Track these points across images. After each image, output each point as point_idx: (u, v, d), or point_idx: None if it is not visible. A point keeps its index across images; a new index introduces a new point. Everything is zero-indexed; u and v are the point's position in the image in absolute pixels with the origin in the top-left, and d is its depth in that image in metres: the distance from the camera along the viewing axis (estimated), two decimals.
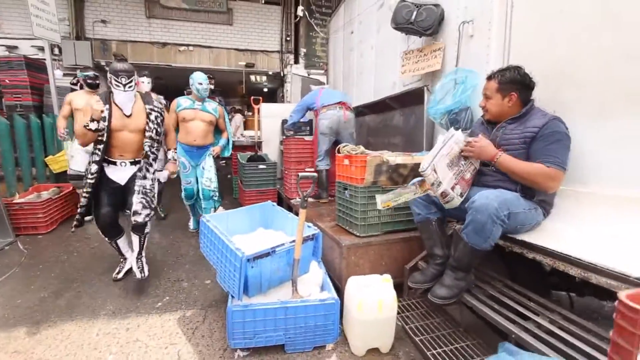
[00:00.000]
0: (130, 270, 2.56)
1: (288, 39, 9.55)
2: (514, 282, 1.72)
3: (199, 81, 3.20)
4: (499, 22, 2.04)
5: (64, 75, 7.50)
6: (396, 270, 2.08)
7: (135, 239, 2.37)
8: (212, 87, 4.21)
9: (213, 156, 3.36)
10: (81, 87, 3.72)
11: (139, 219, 2.29)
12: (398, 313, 1.90)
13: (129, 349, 1.77)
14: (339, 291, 1.97)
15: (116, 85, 2.19)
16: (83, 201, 2.28)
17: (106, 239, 2.43)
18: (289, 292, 1.87)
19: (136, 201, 2.29)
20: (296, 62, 9.58)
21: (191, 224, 3.69)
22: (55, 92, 4.45)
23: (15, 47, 7.67)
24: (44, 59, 4.39)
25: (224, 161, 4.13)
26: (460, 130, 1.74)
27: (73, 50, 7.55)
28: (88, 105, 2.16)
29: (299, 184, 1.84)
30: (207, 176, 3.30)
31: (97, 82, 3.54)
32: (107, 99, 2.23)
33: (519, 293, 1.61)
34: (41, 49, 6.61)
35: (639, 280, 1.15)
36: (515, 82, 1.64)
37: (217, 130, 3.52)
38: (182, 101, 3.24)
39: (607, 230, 1.44)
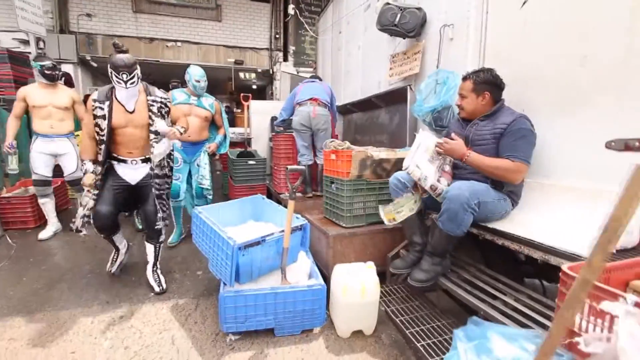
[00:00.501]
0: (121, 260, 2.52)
1: (277, 36, 9.59)
2: (499, 271, 1.86)
3: (197, 78, 3.04)
4: (475, 27, 2.19)
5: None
6: (380, 259, 2.21)
7: (150, 249, 2.25)
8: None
9: (208, 153, 3.21)
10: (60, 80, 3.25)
11: (159, 225, 2.20)
12: (381, 298, 2.02)
13: (123, 335, 1.84)
14: (326, 279, 2.08)
15: (117, 82, 2.06)
16: (89, 202, 2.14)
17: (101, 235, 2.30)
18: (278, 280, 1.98)
19: (153, 206, 2.18)
20: (285, 59, 9.63)
21: (172, 236, 3.19)
22: None
23: None
24: (29, 53, 4.33)
25: (217, 157, 4.03)
26: (428, 131, 1.89)
27: (57, 44, 7.42)
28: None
29: (288, 177, 1.94)
30: (202, 173, 3.15)
31: (56, 73, 3.05)
32: (110, 95, 2.11)
33: (491, 277, 1.76)
34: (24, 42, 6.49)
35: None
36: (488, 83, 1.79)
37: (214, 125, 3.38)
38: (177, 94, 3.06)
39: (566, 218, 1.60)
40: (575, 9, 1.60)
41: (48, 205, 3.26)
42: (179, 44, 8.86)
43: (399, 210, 1.88)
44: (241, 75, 10.04)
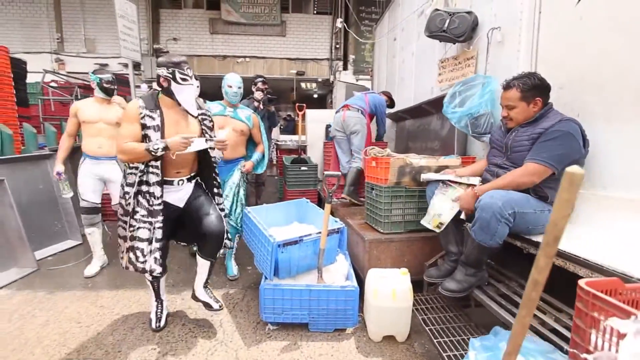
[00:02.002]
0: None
1: (337, 46, 9.88)
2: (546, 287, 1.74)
3: (229, 83, 2.68)
4: (527, 28, 2.07)
5: (148, 87, 8.75)
6: (417, 267, 2.20)
7: (205, 265, 1.92)
8: (266, 92, 3.77)
9: (242, 172, 2.73)
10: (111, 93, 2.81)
11: (225, 237, 1.91)
12: (417, 306, 2.02)
13: (182, 312, 2.15)
14: (362, 283, 2.15)
15: (182, 78, 1.75)
16: (143, 233, 1.76)
17: (149, 277, 1.90)
18: (314, 279, 2.10)
19: (215, 211, 1.91)
20: (345, 68, 9.88)
21: (230, 269, 2.78)
22: None
23: (106, 65, 9.08)
24: (127, 74, 5.23)
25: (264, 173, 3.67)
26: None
27: (150, 66, 8.72)
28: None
29: (325, 182, 2.06)
30: (226, 193, 2.63)
31: (115, 87, 2.82)
32: (156, 103, 1.79)
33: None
34: (126, 65, 7.79)
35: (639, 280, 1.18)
36: (538, 88, 1.68)
37: (252, 142, 2.92)
38: (212, 106, 2.70)
39: (620, 233, 1.44)
40: (632, 5, 1.44)
41: (95, 236, 2.83)
42: (247, 59, 9.71)
43: (439, 213, 1.87)
44: (302, 85, 10.56)
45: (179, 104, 1.81)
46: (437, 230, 1.90)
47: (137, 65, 8.95)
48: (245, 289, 2.51)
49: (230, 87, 2.68)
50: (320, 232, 2.07)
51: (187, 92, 1.80)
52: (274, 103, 4.03)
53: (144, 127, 1.74)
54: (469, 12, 2.61)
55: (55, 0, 9.14)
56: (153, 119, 1.75)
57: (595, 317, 0.85)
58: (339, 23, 7.49)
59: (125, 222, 1.81)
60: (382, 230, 2.29)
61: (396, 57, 4.77)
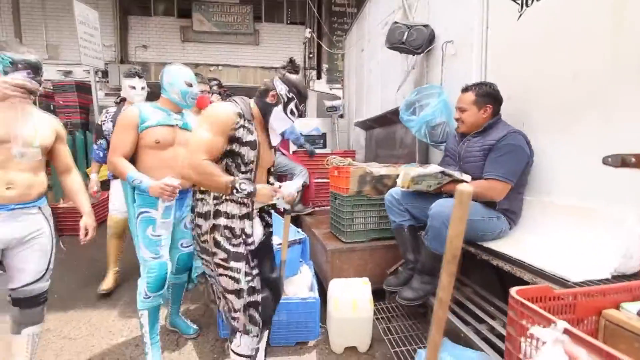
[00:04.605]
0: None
1: (311, 55, 9.98)
2: (497, 293, 1.78)
3: (187, 80, 1.78)
4: (477, 42, 2.16)
5: (106, 95, 8.45)
6: (380, 275, 2.20)
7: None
8: (225, 95, 3.39)
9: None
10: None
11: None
12: (379, 315, 2.02)
13: (137, 333, 2.04)
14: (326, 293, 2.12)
15: (292, 111, 1.38)
16: (245, 285, 1.33)
17: (253, 337, 1.41)
18: None
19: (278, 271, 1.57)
20: (319, 77, 9.97)
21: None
22: (97, 110, 5.10)
23: (70, 72, 8.72)
24: (89, 81, 5.05)
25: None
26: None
27: (118, 73, 8.44)
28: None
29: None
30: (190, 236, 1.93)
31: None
32: (251, 113, 1.37)
33: (485, 299, 1.68)
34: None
35: (577, 284, 1.23)
36: (491, 96, 1.75)
37: None
38: (147, 111, 1.73)
39: (561, 238, 1.51)
40: (563, 24, 1.55)
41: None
42: (220, 67, 9.61)
43: (418, 182, 1.71)
44: None
45: (265, 126, 1.41)
46: (401, 188, 1.79)
47: (105, 73, 8.66)
48: (207, 304, 2.42)
49: (191, 85, 1.79)
50: (280, 244, 2.04)
51: (283, 125, 1.42)
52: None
53: (233, 140, 1.29)
54: (425, 26, 2.69)
55: (13, 5, 8.70)
56: (251, 133, 1.33)
57: (524, 325, 0.86)
58: (308, 33, 7.59)
59: (238, 270, 1.32)
60: (345, 240, 2.28)
61: (364, 67, 4.86)
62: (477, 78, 2.15)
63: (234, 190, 1.25)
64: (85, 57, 4.60)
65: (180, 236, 1.95)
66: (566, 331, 0.74)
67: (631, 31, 1.27)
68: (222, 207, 1.30)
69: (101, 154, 2.60)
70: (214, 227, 1.30)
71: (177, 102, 1.79)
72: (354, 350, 1.90)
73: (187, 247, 1.97)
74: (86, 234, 1.65)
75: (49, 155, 1.57)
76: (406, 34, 2.74)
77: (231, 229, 1.30)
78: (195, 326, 2.09)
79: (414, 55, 2.92)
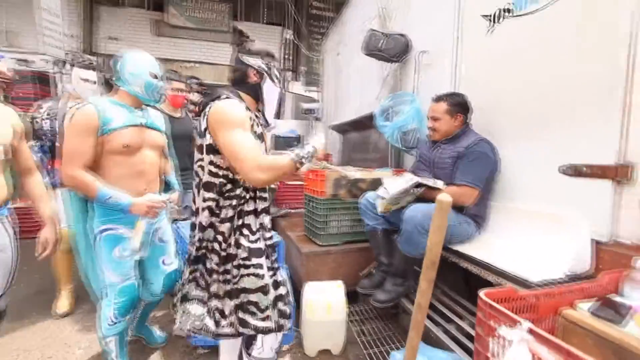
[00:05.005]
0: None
1: (289, 57, 9.95)
2: (465, 294, 1.85)
3: (153, 71, 1.57)
4: (450, 54, 2.26)
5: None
6: (354, 277, 2.22)
7: None
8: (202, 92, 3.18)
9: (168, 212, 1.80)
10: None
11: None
12: (352, 317, 2.04)
13: (96, 345, 1.92)
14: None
15: (277, 77, 1.35)
16: (269, 280, 1.31)
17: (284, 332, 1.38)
18: None
19: None
20: (296, 79, 9.95)
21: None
22: None
23: (29, 61, 8.11)
24: (48, 72, 4.73)
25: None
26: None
27: None
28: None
29: None
30: (169, 251, 1.78)
31: None
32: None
33: (453, 300, 1.75)
34: (56, 63, 7.04)
35: (537, 285, 1.31)
36: (461, 106, 1.84)
37: None
38: (107, 110, 1.48)
39: (524, 242, 1.60)
40: (530, 41, 1.65)
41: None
42: (196, 64, 9.34)
43: (397, 202, 1.75)
44: None
45: (260, 107, 1.35)
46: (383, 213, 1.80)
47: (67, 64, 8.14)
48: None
49: (157, 78, 1.58)
50: None
51: (274, 96, 1.36)
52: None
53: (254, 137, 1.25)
54: (402, 35, 2.78)
55: None
56: (259, 125, 1.30)
57: (491, 325, 0.91)
58: (288, 35, 7.56)
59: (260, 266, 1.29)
60: (319, 243, 2.29)
61: (342, 72, 4.92)
62: (449, 88, 2.24)
63: (297, 163, 1.21)
64: (44, 45, 4.30)
65: (159, 253, 1.73)
66: (530, 331, 0.78)
67: (592, 52, 1.38)
68: (245, 207, 1.28)
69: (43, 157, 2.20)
70: (235, 229, 1.25)
71: (140, 97, 1.56)
72: (328, 353, 1.91)
73: (169, 264, 1.76)
74: (44, 249, 1.48)
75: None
76: (383, 41, 2.81)
77: (248, 226, 1.28)
78: (163, 334, 2.00)
79: (390, 62, 3.00)
